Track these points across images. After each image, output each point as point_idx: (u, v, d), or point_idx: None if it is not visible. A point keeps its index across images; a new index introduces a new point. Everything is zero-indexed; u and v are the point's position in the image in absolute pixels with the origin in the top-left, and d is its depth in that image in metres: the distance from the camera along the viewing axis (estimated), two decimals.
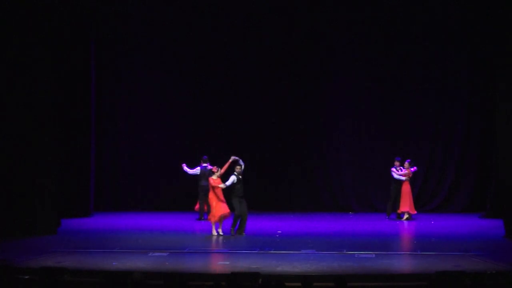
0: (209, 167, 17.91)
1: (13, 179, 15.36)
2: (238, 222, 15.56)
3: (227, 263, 12.47)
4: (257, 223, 16.13)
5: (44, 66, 15.72)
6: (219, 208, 15.44)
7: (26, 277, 10.32)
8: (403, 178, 18.29)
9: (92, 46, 19.05)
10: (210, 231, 15.63)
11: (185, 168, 18.15)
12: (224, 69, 20.30)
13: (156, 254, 13.07)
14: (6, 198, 15.34)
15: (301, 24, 20.00)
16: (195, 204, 18.38)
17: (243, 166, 15.59)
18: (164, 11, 20.14)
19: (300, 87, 20.27)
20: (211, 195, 15.64)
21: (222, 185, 15.45)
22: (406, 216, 18.26)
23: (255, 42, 20.10)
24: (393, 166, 18.45)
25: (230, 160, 15.72)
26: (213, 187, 15.51)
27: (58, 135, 16.19)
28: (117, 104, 20.61)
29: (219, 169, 15.67)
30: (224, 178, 15.69)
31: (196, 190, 18.10)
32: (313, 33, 20.07)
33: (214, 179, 15.59)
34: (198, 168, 18.07)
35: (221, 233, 15.49)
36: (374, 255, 12.91)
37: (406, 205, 18.22)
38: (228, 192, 15.71)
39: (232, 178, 15.48)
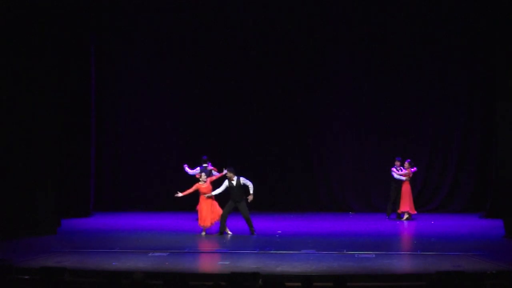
0: (209, 167, 17.94)
1: (13, 179, 15.36)
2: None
3: (227, 263, 12.45)
4: (257, 223, 16.10)
5: (44, 66, 15.71)
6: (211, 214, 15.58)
7: (26, 277, 10.32)
8: (403, 178, 18.29)
9: (92, 46, 19.07)
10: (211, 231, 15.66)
11: (186, 168, 18.17)
12: (224, 69, 20.30)
13: (156, 254, 13.05)
14: (6, 198, 15.34)
15: (301, 23, 20.00)
16: (195, 204, 18.38)
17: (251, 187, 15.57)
18: (165, 11, 20.15)
19: (300, 87, 20.27)
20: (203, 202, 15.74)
21: (210, 194, 15.58)
22: (406, 216, 18.26)
23: (255, 42, 20.11)
24: (393, 166, 18.46)
25: (222, 174, 16.04)
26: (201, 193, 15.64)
27: (58, 135, 16.19)
28: (117, 104, 20.61)
29: (204, 175, 15.85)
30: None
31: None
32: (313, 33, 20.07)
33: (204, 186, 15.68)
34: (198, 168, 18.07)
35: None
36: (374, 255, 12.89)
37: (406, 205, 18.22)
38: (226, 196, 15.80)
39: (225, 185, 15.53)
